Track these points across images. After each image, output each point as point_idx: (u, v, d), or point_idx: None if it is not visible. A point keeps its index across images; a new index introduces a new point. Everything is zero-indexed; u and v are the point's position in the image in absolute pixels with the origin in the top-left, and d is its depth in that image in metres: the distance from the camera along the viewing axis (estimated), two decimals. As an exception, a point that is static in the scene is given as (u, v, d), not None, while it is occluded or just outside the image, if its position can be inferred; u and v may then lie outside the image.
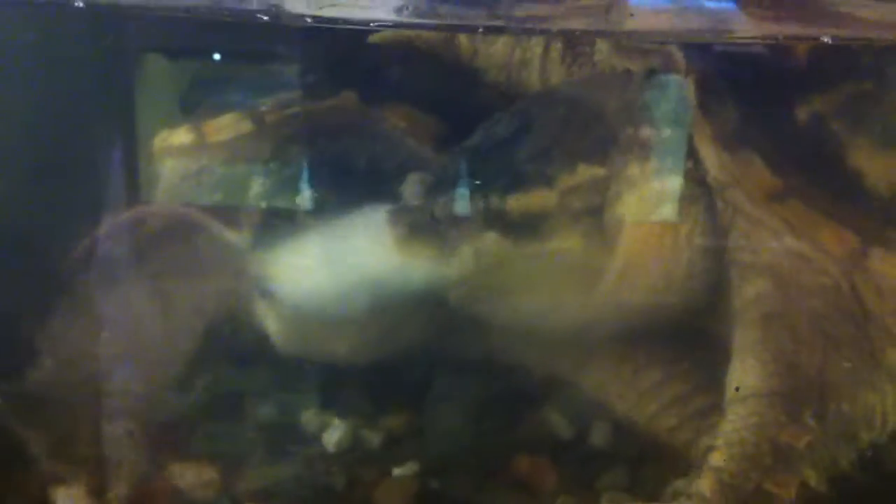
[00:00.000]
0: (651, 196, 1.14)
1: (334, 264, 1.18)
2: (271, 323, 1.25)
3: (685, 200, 1.16)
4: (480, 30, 1.23)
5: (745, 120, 1.16)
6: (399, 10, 1.09)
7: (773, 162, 1.16)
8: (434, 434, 1.36)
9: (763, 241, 1.17)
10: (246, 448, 1.32)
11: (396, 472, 1.26)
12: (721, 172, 1.16)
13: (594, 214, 1.13)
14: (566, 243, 1.12)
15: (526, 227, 1.11)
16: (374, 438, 1.36)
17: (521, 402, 1.34)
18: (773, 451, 1.10)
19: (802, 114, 1.18)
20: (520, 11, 1.09)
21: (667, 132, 1.16)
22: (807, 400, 1.13)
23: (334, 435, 1.35)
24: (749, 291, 1.17)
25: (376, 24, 1.17)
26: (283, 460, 1.31)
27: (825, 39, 1.14)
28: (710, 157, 1.16)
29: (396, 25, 1.16)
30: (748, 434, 1.11)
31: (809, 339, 1.15)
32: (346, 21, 1.11)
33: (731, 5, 1.16)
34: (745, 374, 1.15)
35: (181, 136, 1.27)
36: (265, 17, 1.08)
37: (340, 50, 1.25)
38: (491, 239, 1.11)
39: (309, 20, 1.09)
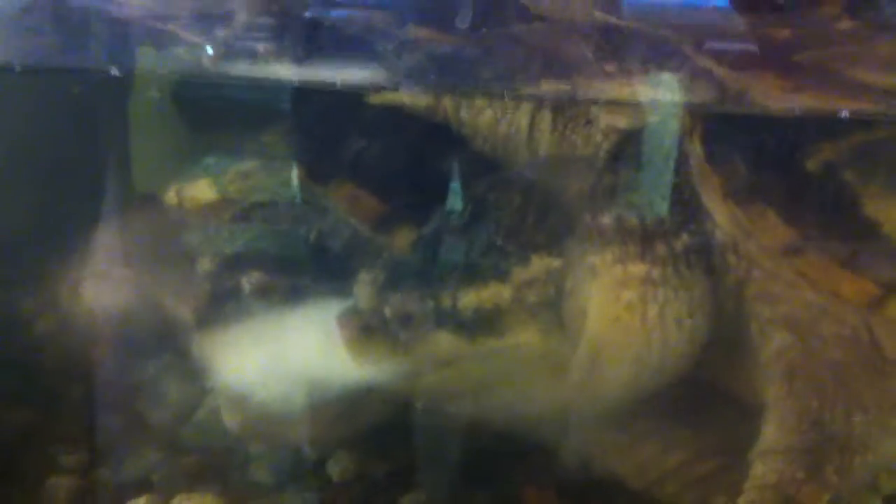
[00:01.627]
0: (613, 283, 1.10)
1: (278, 357, 1.17)
2: (222, 409, 1.26)
3: (651, 282, 1.11)
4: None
5: (755, 172, 1.13)
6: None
7: (787, 214, 1.12)
8: (439, 465, 1.37)
9: (780, 293, 1.14)
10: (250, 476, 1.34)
11: (403, 502, 1.27)
12: (734, 227, 1.13)
13: (551, 307, 1.09)
14: (524, 338, 1.08)
15: (480, 324, 1.08)
16: (379, 468, 1.36)
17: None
18: None
19: (813, 163, 1.13)
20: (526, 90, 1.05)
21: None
22: (828, 455, 1.11)
23: (338, 465, 1.36)
24: (772, 346, 1.14)
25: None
26: (288, 489, 1.33)
27: (843, 114, 1.09)
28: (721, 212, 1.13)
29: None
30: (767, 493, 1.10)
31: (831, 392, 1.13)
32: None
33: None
34: (765, 429, 1.13)
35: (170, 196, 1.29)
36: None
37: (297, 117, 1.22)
38: (444, 338, 1.08)
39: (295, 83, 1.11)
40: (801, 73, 1.13)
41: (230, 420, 1.25)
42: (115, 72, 1.10)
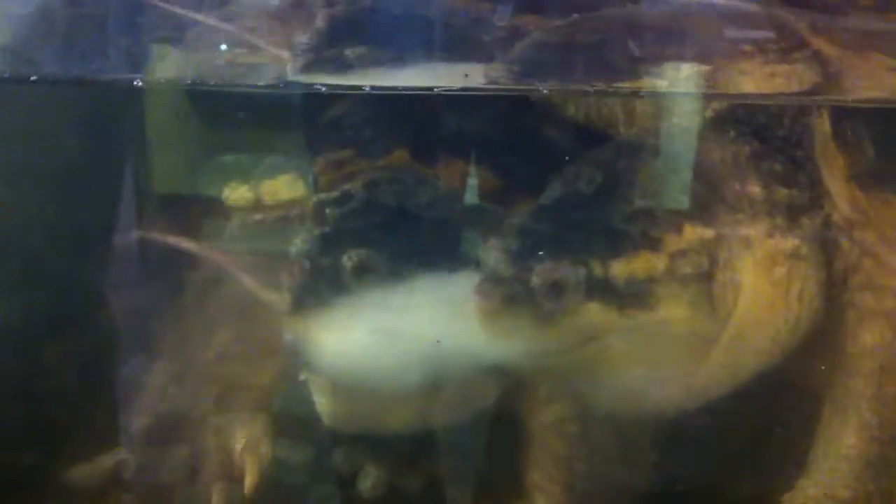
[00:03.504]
0: (766, 257, 1.05)
1: (392, 335, 1.06)
2: (317, 395, 1.14)
3: (798, 258, 1.07)
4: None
5: (883, 158, 1.10)
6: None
7: None
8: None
9: (889, 286, 1.10)
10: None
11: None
12: (852, 211, 1.09)
13: (703, 281, 1.02)
14: (674, 312, 1.01)
15: (631, 295, 1.00)
16: (411, 484, 1.28)
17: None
18: None
19: None
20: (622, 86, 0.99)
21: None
22: None
23: (368, 480, 1.27)
24: (867, 339, 1.09)
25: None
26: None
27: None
28: (842, 194, 1.09)
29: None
30: None
31: None
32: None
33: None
34: (842, 431, 1.08)
35: (242, 193, 1.19)
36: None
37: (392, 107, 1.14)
38: (593, 310, 1.00)
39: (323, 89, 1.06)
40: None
41: (326, 405, 1.13)
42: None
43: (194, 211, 1.23)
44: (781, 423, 1.18)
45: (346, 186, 1.11)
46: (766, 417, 1.18)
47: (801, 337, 1.09)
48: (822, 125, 1.12)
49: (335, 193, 1.11)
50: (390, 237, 1.09)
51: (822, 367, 1.13)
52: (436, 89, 1.04)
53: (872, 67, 1.14)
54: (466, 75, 1.04)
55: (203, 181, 1.23)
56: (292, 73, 1.05)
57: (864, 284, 1.11)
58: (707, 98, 1.08)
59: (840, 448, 1.09)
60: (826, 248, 1.10)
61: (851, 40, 1.15)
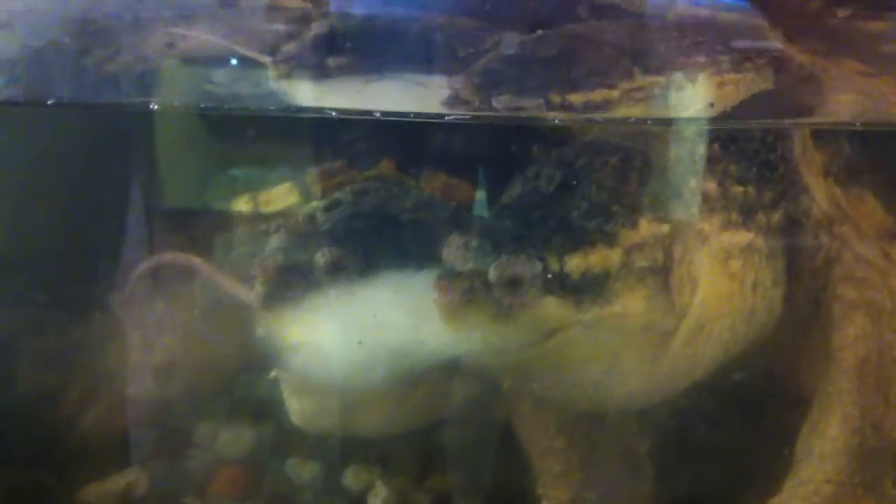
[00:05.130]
0: (721, 251, 1.07)
1: (361, 331, 1.11)
2: (286, 395, 1.19)
3: (753, 251, 1.09)
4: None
5: (859, 155, 1.13)
6: (449, 103, 1.04)
7: (887, 200, 1.13)
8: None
9: (869, 278, 1.12)
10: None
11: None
12: (831, 206, 1.12)
13: (658, 274, 1.05)
14: (630, 306, 1.04)
15: (588, 289, 1.03)
16: (421, 500, 1.31)
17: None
18: None
19: None
20: (575, 98, 1.03)
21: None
22: (887, 465, 1.08)
23: (379, 497, 1.30)
24: (849, 332, 1.12)
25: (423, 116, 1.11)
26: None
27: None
28: (820, 190, 1.12)
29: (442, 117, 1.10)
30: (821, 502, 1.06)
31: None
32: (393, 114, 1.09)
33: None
34: (827, 425, 1.09)
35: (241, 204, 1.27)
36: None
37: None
38: (551, 304, 1.03)
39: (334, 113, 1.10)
40: (886, 62, 1.15)
41: (295, 404, 1.18)
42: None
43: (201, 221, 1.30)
44: (766, 422, 1.19)
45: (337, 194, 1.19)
46: (752, 418, 1.19)
47: (758, 327, 1.12)
48: (802, 128, 1.14)
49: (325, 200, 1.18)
50: (370, 238, 1.15)
51: (810, 363, 1.15)
52: (447, 117, 1.09)
53: (844, 72, 1.16)
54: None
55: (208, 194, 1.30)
56: (273, 79, 1.09)
57: (846, 276, 1.14)
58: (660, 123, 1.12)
59: (825, 441, 1.10)
60: (788, 242, 1.13)
61: (824, 47, 1.17)
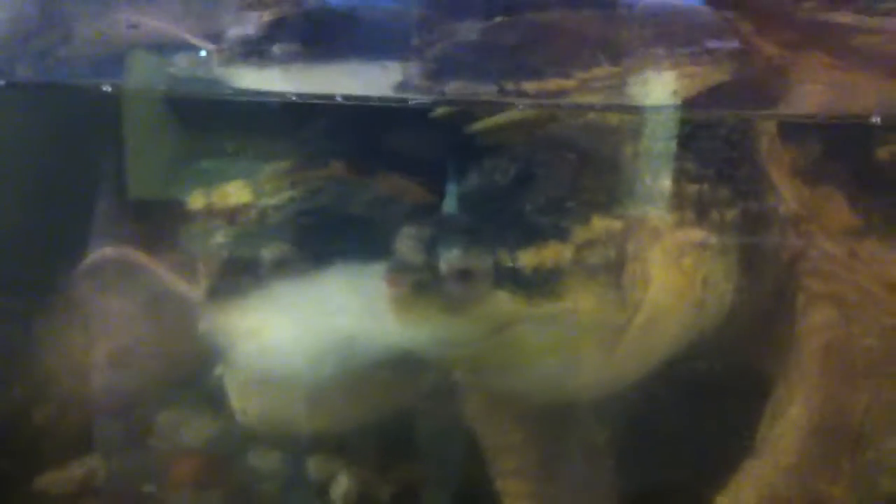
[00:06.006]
0: (674, 248, 1.06)
1: (307, 324, 1.09)
2: (230, 392, 1.17)
3: (704, 247, 1.08)
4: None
5: (827, 154, 1.14)
6: (399, 87, 1.02)
7: (853, 199, 1.15)
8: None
9: (834, 272, 1.14)
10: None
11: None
12: (798, 204, 1.14)
13: (610, 271, 1.04)
14: (581, 302, 1.03)
15: (539, 285, 1.02)
16: (384, 491, 1.30)
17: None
18: (806, 498, 1.07)
19: (884, 152, 1.16)
20: (529, 86, 1.01)
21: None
22: (844, 444, 1.10)
23: (340, 487, 1.29)
24: (815, 319, 1.14)
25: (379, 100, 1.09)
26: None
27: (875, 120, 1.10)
28: (788, 188, 1.14)
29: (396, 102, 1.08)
30: (781, 477, 1.08)
31: (859, 381, 1.12)
32: (345, 97, 1.06)
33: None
34: (789, 405, 1.11)
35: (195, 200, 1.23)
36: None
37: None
38: (501, 298, 1.01)
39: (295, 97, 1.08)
40: (857, 56, 1.14)
41: (241, 404, 1.16)
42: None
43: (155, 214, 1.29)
44: (728, 410, 1.19)
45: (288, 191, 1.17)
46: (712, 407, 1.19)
47: (708, 318, 1.12)
48: (769, 126, 1.13)
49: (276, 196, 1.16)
50: (320, 234, 1.13)
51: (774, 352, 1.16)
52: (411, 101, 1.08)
53: (812, 64, 1.15)
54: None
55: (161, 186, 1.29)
56: (216, 64, 1.08)
57: (811, 270, 1.15)
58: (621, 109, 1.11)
59: (786, 421, 1.11)
60: (744, 238, 1.14)
61: (794, 39, 1.16)
